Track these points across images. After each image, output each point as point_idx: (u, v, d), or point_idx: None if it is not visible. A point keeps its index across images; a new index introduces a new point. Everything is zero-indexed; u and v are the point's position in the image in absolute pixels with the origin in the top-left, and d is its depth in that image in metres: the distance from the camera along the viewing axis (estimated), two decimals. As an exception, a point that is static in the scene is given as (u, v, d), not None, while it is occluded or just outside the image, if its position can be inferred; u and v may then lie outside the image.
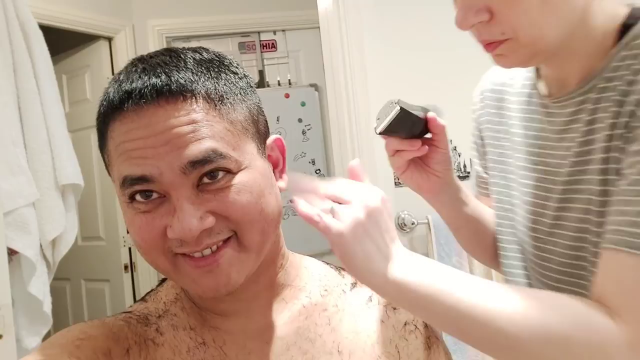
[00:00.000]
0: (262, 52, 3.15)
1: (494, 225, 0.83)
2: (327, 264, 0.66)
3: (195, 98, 0.50)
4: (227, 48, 3.06)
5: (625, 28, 0.61)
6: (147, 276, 2.75)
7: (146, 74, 0.49)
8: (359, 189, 0.53)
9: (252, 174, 0.51)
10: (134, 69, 0.51)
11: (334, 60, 1.83)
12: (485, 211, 0.87)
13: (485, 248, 0.87)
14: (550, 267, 0.69)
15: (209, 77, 0.52)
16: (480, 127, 0.86)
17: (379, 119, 0.67)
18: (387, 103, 0.67)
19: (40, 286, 1.66)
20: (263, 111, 0.58)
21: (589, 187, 0.62)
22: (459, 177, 1.55)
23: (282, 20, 3.07)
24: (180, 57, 0.52)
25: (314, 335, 0.57)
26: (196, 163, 0.48)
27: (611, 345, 0.50)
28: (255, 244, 0.52)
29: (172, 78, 0.49)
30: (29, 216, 1.63)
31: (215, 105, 0.51)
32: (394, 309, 0.61)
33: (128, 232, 2.50)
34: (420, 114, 0.70)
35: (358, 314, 0.60)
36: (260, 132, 0.56)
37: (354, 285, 0.63)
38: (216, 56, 0.55)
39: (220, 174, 0.50)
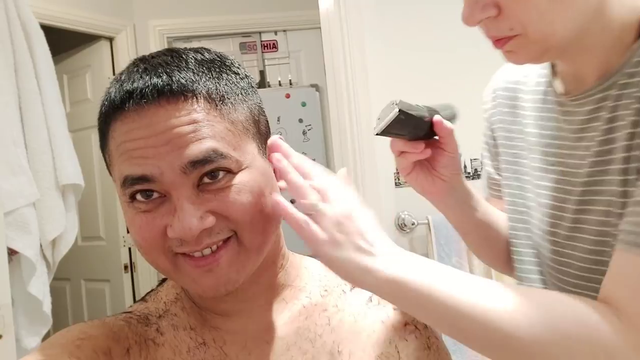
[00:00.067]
0: (263, 52, 3.15)
1: (506, 230, 0.80)
2: (328, 264, 0.66)
3: (197, 98, 0.50)
4: (228, 48, 3.07)
5: None
6: (147, 276, 2.75)
7: (147, 74, 0.50)
8: (336, 189, 0.54)
9: (252, 174, 0.52)
10: (135, 69, 0.51)
11: (335, 60, 1.83)
12: (497, 215, 0.83)
13: (497, 253, 0.83)
14: (569, 272, 0.66)
15: (210, 77, 0.52)
16: (492, 127, 0.83)
17: (379, 119, 0.66)
18: (388, 103, 0.65)
19: (40, 286, 1.66)
20: (264, 111, 0.58)
21: (609, 189, 0.59)
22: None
23: (283, 20, 3.08)
24: (182, 57, 0.53)
25: (314, 335, 0.57)
26: (197, 163, 0.48)
27: (614, 345, 0.49)
28: (256, 243, 0.52)
29: (174, 78, 0.49)
30: (29, 216, 1.63)
31: (216, 105, 0.51)
32: (394, 309, 0.61)
33: (128, 232, 2.51)
34: (425, 116, 0.68)
35: (358, 314, 0.60)
36: (261, 132, 0.56)
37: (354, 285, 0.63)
38: (217, 56, 0.55)
39: (221, 173, 0.50)
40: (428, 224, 1.76)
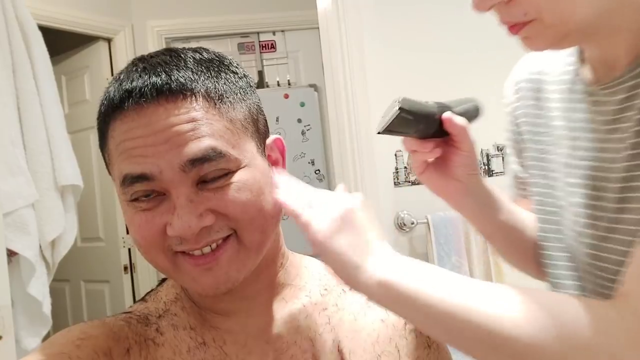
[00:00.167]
0: (261, 52, 3.15)
1: (535, 232, 0.74)
2: (327, 263, 0.66)
3: (195, 97, 0.50)
4: (226, 49, 3.07)
5: None
6: (147, 277, 2.75)
7: (146, 73, 0.50)
8: (339, 193, 0.54)
9: (251, 172, 0.52)
10: (134, 69, 0.52)
11: (333, 60, 1.83)
12: (524, 217, 0.78)
13: (527, 258, 0.78)
14: (609, 277, 0.59)
15: (208, 76, 0.52)
16: (516, 121, 0.77)
17: (383, 117, 0.63)
18: (392, 101, 0.62)
19: (39, 287, 1.65)
20: (263, 111, 0.58)
21: None
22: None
23: (282, 20, 3.08)
24: (181, 56, 0.53)
25: (314, 334, 0.57)
26: (196, 161, 0.48)
27: (622, 348, 0.46)
28: (255, 242, 0.52)
29: (172, 77, 0.49)
30: (28, 217, 1.63)
31: (215, 104, 0.51)
32: None
33: (128, 233, 2.50)
34: (434, 112, 0.64)
35: (358, 313, 0.60)
36: (260, 131, 0.56)
37: (354, 284, 0.63)
38: (216, 56, 0.56)
39: (220, 172, 0.50)
40: (427, 223, 1.76)
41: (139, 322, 0.57)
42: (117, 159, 0.51)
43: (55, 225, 1.74)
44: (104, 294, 2.83)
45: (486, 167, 1.86)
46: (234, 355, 0.56)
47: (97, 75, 2.79)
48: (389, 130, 0.63)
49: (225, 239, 0.51)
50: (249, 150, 0.53)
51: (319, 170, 2.98)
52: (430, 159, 0.70)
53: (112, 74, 2.72)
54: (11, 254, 1.57)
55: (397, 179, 1.81)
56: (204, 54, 0.55)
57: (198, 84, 0.50)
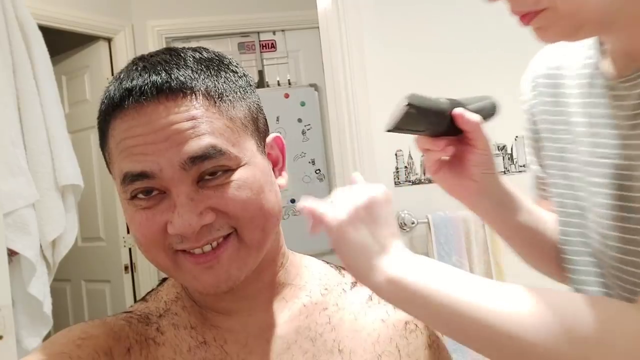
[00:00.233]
0: (261, 52, 3.15)
1: (557, 234, 0.71)
2: (328, 263, 0.66)
3: (195, 95, 0.50)
4: (226, 48, 3.06)
5: None
6: (148, 277, 2.75)
7: (146, 72, 0.50)
8: (363, 185, 0.54)
9: (251, 171, 0.52)
10: (134, 68, 0.52)
11: (333, 60, 1.83)
12: (545, 218, 0.75)
13: (548, 261, 0.74)
14: (636, 281, 0.56)
15: (208, 75, 0.52)
16: (534, 119, 0.73)
17: (392, 114, 0.61)
18: (402, 99, 0.60)
19: (40, 287, 1.66)
20: (262, 110, 0.58)
21: None
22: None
23: (282, 20, 3.08)
24: (181, 55, 0.53)
25: (314, 334, 0.57)
26: (196, 159, 0.48)
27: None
28: (256, 240, 0.52)
29: (172, 75, 0.50)
30: (29, 217, 1.63)
31: (215, 102, 0.51)
32: (395, 308, 0.61)
33: (128, 233, 2.51)
34: (445, 109, 0.62)
35: (358, 313, 0.60)
36: (260, 130, 0.56)
37: (354, 284, 0.63)
38: (216, 55, 0.56)
39: (220, 170, 0.50)
40: (428, 223, 1.76)
41: (140, 322, 0.57)
42: (117, 158, 0.51)
43: (56, 225, 1.74)
44: (105, 293, 2.83)
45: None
46: (234, 355, 0.56)
47: (98, 75, 2.79)
48: (398, 127, 0.60)
49: (226, 237, 0.51)
50: (248, 148, 0.53)
51: (319, 170, 2.98)
52: (444, 158, 0.68)
53: (113, 74, 2.72)
54: (12, 253, 1.57)
55: (398, 179, 1.81)
56: (204, 53, 0.55)
57: (198, 82, 0.51)
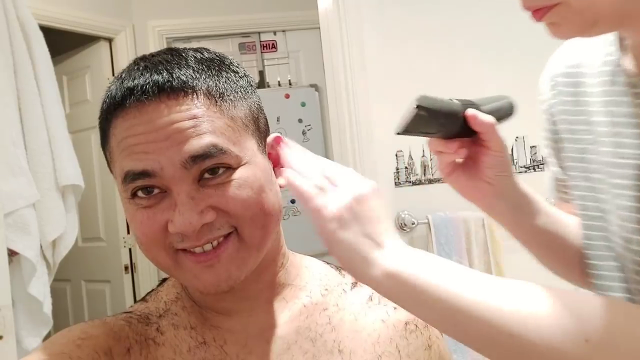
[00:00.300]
0: (262, 52, 3.15)
1: (578, 238, 0.69)
2: (328, 263, 0.66)
3: (197, 94, 0.50)
4: (227, 49, 3.07)
5: None
6: (148, 277, 2.75)
7: (148, 71, 0.50)
8: (351, 175, 0.52)
9: (252, 170, 0.52)
10: (136, 67, 0.52)
11: (334, 60, 1.83)
12: (566, 221, 0.72)
13: (572, 266, 0.72)
14: None
15: (209, 75, 0.52)
16: (553, 119, 0.71)
17: (402, 116, 0.59)
18: (412, 101, 0.58)
19: (40, 287, 1.66)
20: (263, 110, 0.59)
21: None
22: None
23: (282, 20, 3.08)
24: (182, 55, 0.53)
25: (314, 334, 0.57)
26: (197, 158, 0.48)
27: None
28: (256, 239, 0.53)
29: (174, 75, 0.50)
30: (29, 217, 1.63)
31: (216, 102, 0.51)
32: (395, 308, 0.61)
33: (129, 233, 2.51)
34: (458, 111, 0.61)
35: (358, 313, 0.60)
36: (261, 130, 0.57)
37: (354, 284, 0.63)
38: (217, 56, 0.56)
39: (221, 169, 0.50)
40: (428, 223, 1.76)
41: (140, 322, 0.57)
42: (118, 156, 0.51)
43: (56, 225, 1.74)
44: (105, 294, 2.83)
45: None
46: (234, 355, 0.56)
47: (98, 75, 2.79)
48: (408, 130, 0.59)
49: (227, 236, 0.51)
50: (249, 147, 0.53)
51: (319, 170, 2.98)
52: (458, 160, 0.67)
53: (113, 74, 2.73)
54: (12, 253, 1.58)
55: (398, 179, 1.81)
56: (205, 53, 0.55)
57: (199, 81, 0.51)
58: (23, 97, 1.70)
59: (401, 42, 1.82)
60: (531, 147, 1.85)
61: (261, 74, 3.15)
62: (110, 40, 2.82)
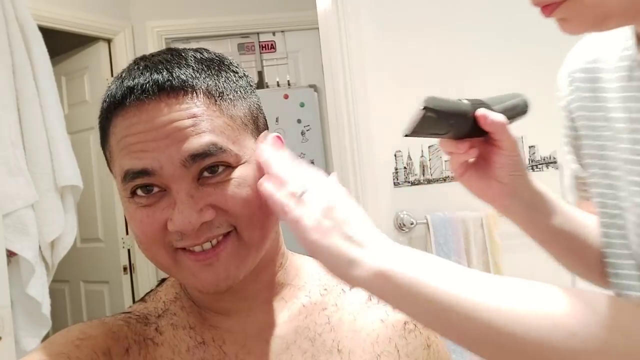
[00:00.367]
0: (261, 53, 3.15)
1: (597, 238, 0.67)
2: (327, 263, 0.66)
3: (196, 93, 0.51)
4: (226, 49, 3.07)
5: None
6: (147, 278, 2.75)
7: (148, 71, 0.51)
8: (319, 178, 0.51)
9: (251, 169, 0.52)
10: (136, 67, 0.52)
11: (333, 61, 1.83)
12: (584, 221, 0.71)
13: (594, 266, 0.70)
14: None
15: (209, 74, 0.53)
16: (571, 116, 0.70)
17: (410, 118, 0.58)
18: (419, 102, 0.57)
19: (39, 288, 1.66)
20: (262, 110, 0.59)
21: None
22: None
23: (281, 21, 3.08)
24: (182, 55, 0.54)
25: (313, 334, 0.57)
26: (196, 156, 0.49)
27: None
28: (255, 239, 0.53)
29: (174, 74, 0.50)
30: (28, 218, 1.63)
31: (216, 101, 0.52)
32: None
33: (127, 234, 2.50)
34: (467, 111, 0.60)
35: (357, 313, 0.60)
36: (260, 129, 0.57)
37: (353, 284, 0.63)
38: (216, 56, 0.56)
39: (220, 167, 0.50)
40: (427, 223, 1.76)
41: (138, 322, 0.57)
42: (118, 155, 0.51)
43: (55, 226, 1.74)
44: (104, 294, 2.83)
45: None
46: (233, 355, 0.56)
47: (97, 76, 2.79)
48: (416, 132, 0.58)
49: (226, 235, 0.52)
50: (249, 147, 0.53)
51: (318, 170, 2.98)
52: (470, 160, 0.66)
53: (112, 75, 2.73)
54: (11, 254, 1.57)
55: (397, 179, 1.81)
56: (205, 53, 0.56)
57: (199, 81, 0.51)
58: (22, 98, 1.70)
59: (400, 43, 1.83)
60: (530, 147, 1.86)
61: (260, 74, 3.15)
62: (109, 41, 2.82)
